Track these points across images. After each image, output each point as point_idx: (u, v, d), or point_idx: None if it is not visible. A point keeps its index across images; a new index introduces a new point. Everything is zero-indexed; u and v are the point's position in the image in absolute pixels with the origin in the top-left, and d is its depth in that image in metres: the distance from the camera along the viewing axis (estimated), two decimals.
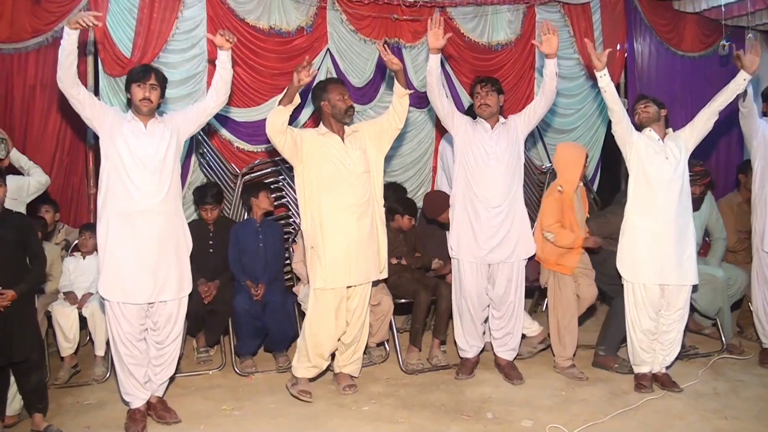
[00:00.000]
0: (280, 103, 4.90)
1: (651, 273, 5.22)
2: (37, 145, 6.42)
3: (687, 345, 5.93)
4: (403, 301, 6.11)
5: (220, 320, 5.91)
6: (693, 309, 6.46)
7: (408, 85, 7.43)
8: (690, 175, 5.34)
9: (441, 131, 7.42)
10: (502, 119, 5.60)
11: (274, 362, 5.93)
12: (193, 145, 6.95)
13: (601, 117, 8.44)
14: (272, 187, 6.68)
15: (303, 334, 5.24)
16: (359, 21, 7.57)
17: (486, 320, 5.73)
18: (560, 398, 5.20)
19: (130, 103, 4.77)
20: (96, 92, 6.50)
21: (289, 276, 6.57)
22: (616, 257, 5.39)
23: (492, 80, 5.63)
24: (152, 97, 4.69)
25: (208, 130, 6.96)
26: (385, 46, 5.38)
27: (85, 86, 4.57)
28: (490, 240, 5.43)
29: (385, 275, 5.47)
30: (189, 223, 5.86)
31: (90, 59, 6.60)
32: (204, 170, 6.95)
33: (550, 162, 7.87)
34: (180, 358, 5.78)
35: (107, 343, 5.21)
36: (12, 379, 4.66)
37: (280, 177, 6.98)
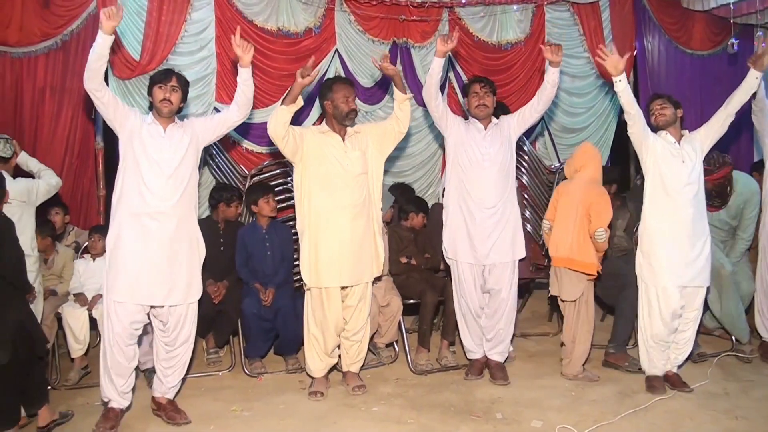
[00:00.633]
0: (282, 102, 4.93)
1: (671, 276, 5.19)
2: (46, 148, 6.46)
3: (695, 353, 5.83)
4: (411, 301, 6.11)
5: (228, 321, 5.91)
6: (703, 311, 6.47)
7: (415, 86, 7.48)
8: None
9: None
10: (494, 120, 5.60)
11: (283, 363, 5.94)
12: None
13: (611, 116, 8.43)
14: (281, 188, 6.67)
15: (306, 332, 5.31)
16: (367, 22, 7.58)
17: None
18: (570, 398, 5.19)
19: (151, 106, 4.80)
20: None
21: (299, 276, 6.56)
22: (635, 262, 5.38)
23: (488, 81, 5.62)
24: (172, 99, 4.71)
25: None
26: (385, 56, 5.35)
27: None
28: (486, 241, 5.42)
29: (383, 273, 5.53)
30: (198, 221, 5.91)
31: None
32: (213, 171, 6.95)
33: (560, 161, 7.88)
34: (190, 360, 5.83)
35: None
36: None
37: (289, 178, 6.99)
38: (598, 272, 5.54)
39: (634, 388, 5.30)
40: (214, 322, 5.97)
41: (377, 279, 5.56)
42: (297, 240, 6.18)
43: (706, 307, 6.17)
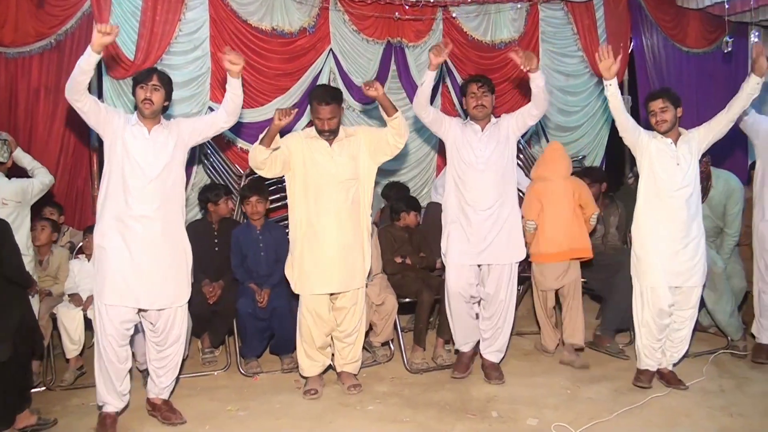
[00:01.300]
0: (261, 142, 4.91)
1: (661, 276, 5.17)
2: (41, 148, 6.44)
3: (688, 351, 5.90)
4: (407, 300, 6.10)
5: (224, 321, 5.90)
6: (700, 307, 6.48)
7: (409, 86, 7.48)
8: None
9: None
10: (493, 119, 5.51)
11: (279, 363, 5.94)
12: (197, 147, 6.95)
13: (605, 114, 8.44)
14: (275, 187, 6.66)
15: (298, 333, 5.31)
16: (362, 21, 7.59)
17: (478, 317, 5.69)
18: (565, 396, 5.19)
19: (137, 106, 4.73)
20: (99, 95, 6.53)
21: None
22: (630, 261, 5.38)
23: (486, 79, 5.51)
24: (154, 98, 4.60)
25: None
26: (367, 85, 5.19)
27: (89, 89, 4.53)
28: (481, 243, 5.37)
29: (376, 271, 5.56)
30: (193, 223, 5.90)
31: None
32: (207, 171, 6.96)
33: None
34: (185, 360, 5.81)
35: None
36: None
37: (283, 177, 6.99)
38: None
39: (630, 385, 5.30)
40: (210, 322, 5.96)
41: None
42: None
43: (702, 305, 6.20)
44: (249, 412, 5.03)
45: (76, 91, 4.42)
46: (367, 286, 5.56)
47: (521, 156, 7.57)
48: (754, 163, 6.82)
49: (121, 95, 6.59)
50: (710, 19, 8.49)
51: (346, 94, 7.58)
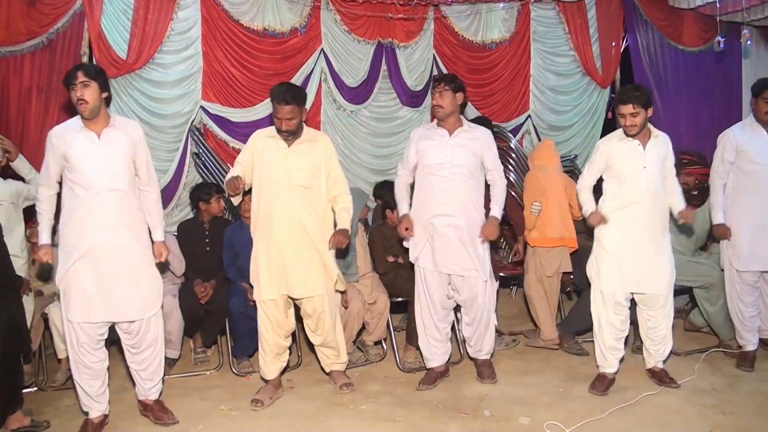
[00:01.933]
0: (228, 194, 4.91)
1: (618, 282, 5.10)
2: (33, 147, 6.42)
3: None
4: (399, 299, 6.09)
5: (216, 321, 5.88)
6: (691, 308, 6.48)
7: (400, 86, 7.50)
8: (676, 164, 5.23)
9: None
10: (466, 125, 5.27)
11: None
12: (188, 146, 6.97)
13: (597, 113, 8.48)
14: None
15: (259, 336, 5.17)
16: (353, 21, 7.61)
17: (452, 327, 5.58)
18: (558, 395, 5.19)
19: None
20: None
21: None
22: (588, 261, 5.35)
23: (448, 78, 5.24)
24: (86, 96, 4.26)
25: (204, 130, 6.99)
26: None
27: None
28: (443, 250, 5.18)
29: (341, 288, 5.33)
30: (184, 222, 5.88)
31: (85, 60, 6.61)
32: (200, 170, 6.96)
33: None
34: (177, 360, 5.81)
35: None
36: None
37: None
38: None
39: (622, 384, 5.29)
40: (202, 321, 5.95)
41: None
42: None
43: (695, 304, 6.22)
44: (241, 411, 5.02)
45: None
46: (345, 292, 5.55)
47: (513, 155, 7.58)
48: None
49: (113, 95, 6.57)
50: (704, 18, 8.52)
51: (336, 94, 7.61)
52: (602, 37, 8.46)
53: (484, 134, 5.27)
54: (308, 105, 7.47)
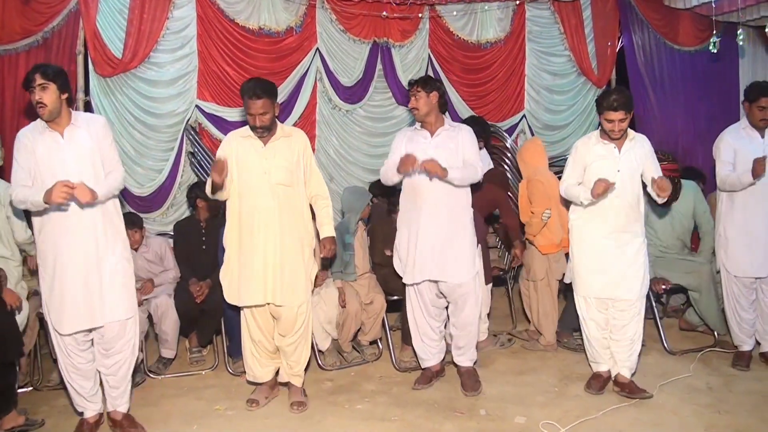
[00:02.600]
0: (213, 191, 4.82)
1: (595, 286, 5.09)
2: None
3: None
4: (394, 298, 6.07)
5: (211, 320, 5.88)
6: (686, 308, 6.48)
7: (395, 85, 7.50)
8: None
9: None
10: (447, 124, 5.22)
11: None
12: (183, 145, 6.96)
13: (592, 113, 8.47)
14: None
15: (243, 340, 5.15)
16: (348, 21, 7.61)
17: (445, 326, 5.53)
18: (553, 394, 5.20)
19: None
20: (86, 92, 6.50)
21: None
22: (567, 268, 5.37)
23: (421, 80, 5.17)
24: (45, 99, 4.17)
25: (199, 129, 6.98)
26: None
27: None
28: (426, 255, 5.13)
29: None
30: (181, 221, 5.86)
31: (80, 59, 6.59)
32: (195, 170, 6.95)
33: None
34: (173, 360, 5.80)
35: None
36: None
37: None
38: None
39: None
40: (197, 321, 5.94)
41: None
42: None
43: (689, 304, 6.23)
44: (237, 411, 5.02)
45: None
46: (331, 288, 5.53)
47: (509, 155, 7.59)
48: None
49: (108, 93, 6.59)
50: (700, 17, 8.52)
51: (332, 94, 7.60)
52: (598, 36, 8.47)
53: (465, 131, 5.23)
54: (304, 104, 7.50)
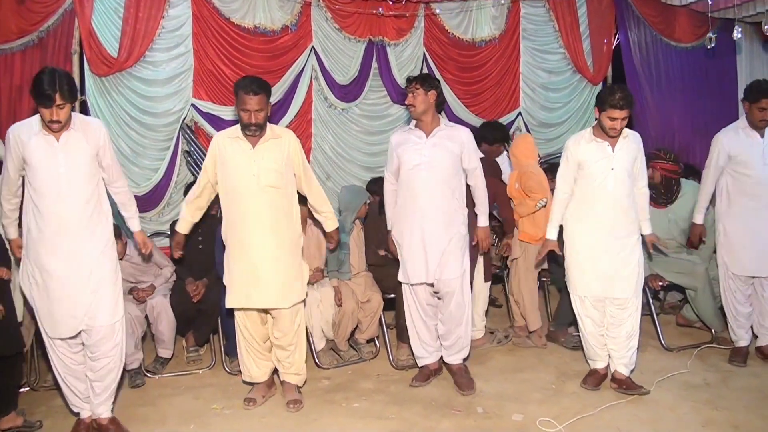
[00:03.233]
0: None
1: (589, 285, 5.07)
2: None
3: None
4: (391, 296, 6.05)
5: (208, 319, 5.87)
6: (683, 304, 6.49)
7: (390, 84, 7.50)
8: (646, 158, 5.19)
9: None
10: (443, 124, 5.21)
11: None
12: (179, 144, 6.95)
13: (588, 110, 8.49)
14: None
15: (237, 340, 5.14)
16: (344, 19, 7.61)
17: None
18: (550, 391, 5.20)
19: (83, 106, 4.46)
20: (82, 92, 6.49)
21: None
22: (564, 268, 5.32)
23: (420, 78, 5.15)
24: (61, 117, 4.09)
25: (195, 128, 6.98)
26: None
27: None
28: (421, 255, 5.13)
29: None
30: (177, 221, 5.83)
31: (76, 58, 6.58)
32: (191, 168, 6.94)
33: (539, 156, 7.99)
34: (169, 359, 5.80)
35: None
36: None
37: None
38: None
39: None
40: (194, 320, 5.93)
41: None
42: None
43: (687, 300, 6.23)
44: (234, 410, 5.02)
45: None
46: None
47: (506, 153, 7.60)
48: None
49: (103, 93, 6.58)
50: (697, 14, 8.53)
51: (327, 92, 7.60)
52: (593, 34, 8.47)
53: (463, 133, 5.21)
54: (299, 103, 7.51)
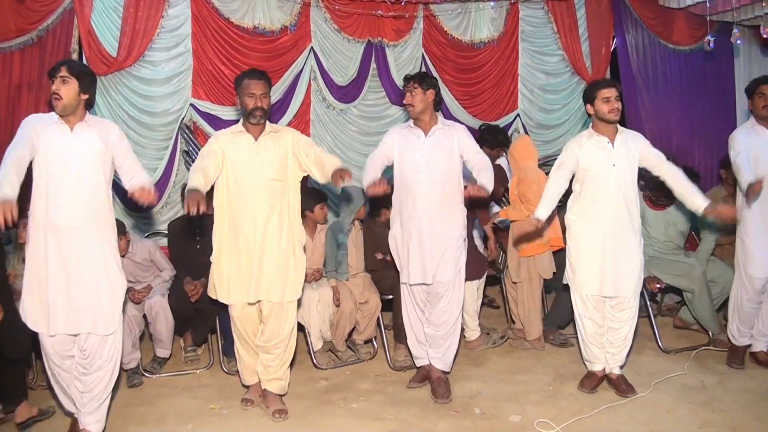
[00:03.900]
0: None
1: (594, 284, 5.04)
2: None
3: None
4: (389, 297, 6.07)
5: (206, 319, 5.86)
6: (680, 306, 6.50)
7: (389, 85, 7.50)
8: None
9: None
10: (441, 123, 5.18)
11: None
12: (178, 144, 6.95)
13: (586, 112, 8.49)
14: None
15: (234, 339, 5.09)
16: (343, 20, 7.62)
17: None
18: (548, 393, 5.21)
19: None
20: None
21: None
22: (566, 269, 5.28)
23: (419, 77, 5.15)
24: (62, 92, 4.12)
25: (194, 128, 6.98)
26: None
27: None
28: (420, 256, 5.08)
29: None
30: (175, 220, 5.83)
31: (74, 57, 6.57)
32: (189, 168, 6.93)
33: (539, 157, 8.02)
34: (167, 359, 5.80)
35: None
36: None
37: None
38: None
39: None
40: (192, 320, 5.93)
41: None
42: None
43: (684, 302, 6.24)
44: (232, 410, 5.02)
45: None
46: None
47: (504, 154, 7.61)
48: (722, 160, 6.85)
49: (102, 92, 6.58)
50: (695, 17, 8.53)
51: (326, 93, 7.61)
52: (592, 36, 8.48)
53: (460, 129, 5.21)
54: (298, 103, 7.53)
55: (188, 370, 5.83)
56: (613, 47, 8.64)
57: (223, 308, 5.15)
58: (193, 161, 6.72)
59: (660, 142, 8.08)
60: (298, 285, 4.93)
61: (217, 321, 5.87)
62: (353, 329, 6.01)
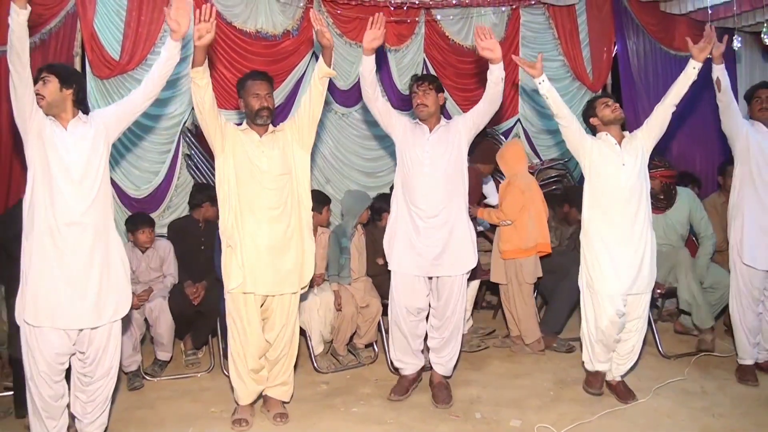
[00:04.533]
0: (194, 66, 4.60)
1: (615, 284, 4.98)
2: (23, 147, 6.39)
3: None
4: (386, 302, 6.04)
5: (207, 322, 5.88)
6: (680, 312, 6.50)
7: (391, 90, 7.48)
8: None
9: None
10: (443, 121, 5.25)
11: None
12: (180, 148, 6.95)
13: None
14: None
15: (229, 352, 4.91)
16: (345, 24, 7.61)
17: (425, 338, 5.40)
18: (549, 398, 5.22)
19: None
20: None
21: None
22: (579, 270, 5.23)
23: (430, 78, 5.29)
24: (44, 92, 4.07)
25: (196, 132, 6.97)
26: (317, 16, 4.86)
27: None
28: (430, 254, 5.08)
29: (305, 290, 5.07)
30: (178, 221, 5.83)
31: (77, 61, 6.58)
32: (191, 172, 6.95)
33: (541, 160, 8.10)
34: (168, 362, 5.80)
35: None
36: None
37: None
38: None
39: None
40: (193, 323, 5.94)
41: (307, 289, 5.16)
42: None
43: (681, 310, 6.26)
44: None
45: (23, 58, 3.94)
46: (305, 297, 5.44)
47: None
48: (720, 167, 6.88)
49: (105, 96, 6.56)
50: (696, 23, 8.54)
51: (327, 97, 7.60)
52: (593, 42, 8.49)
53: (457, 118, 5.31)
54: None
55: (189, 374, 5.85)
56: (614, 53, 8.65)
57: (224, 311, 5.09)
58: (195, 165, 6.76)
59: (660, 148, 8.10)
60: (306, 273, 4.94)
61: (218, 323, 5.87)
62: (354, 333, 6.02)
